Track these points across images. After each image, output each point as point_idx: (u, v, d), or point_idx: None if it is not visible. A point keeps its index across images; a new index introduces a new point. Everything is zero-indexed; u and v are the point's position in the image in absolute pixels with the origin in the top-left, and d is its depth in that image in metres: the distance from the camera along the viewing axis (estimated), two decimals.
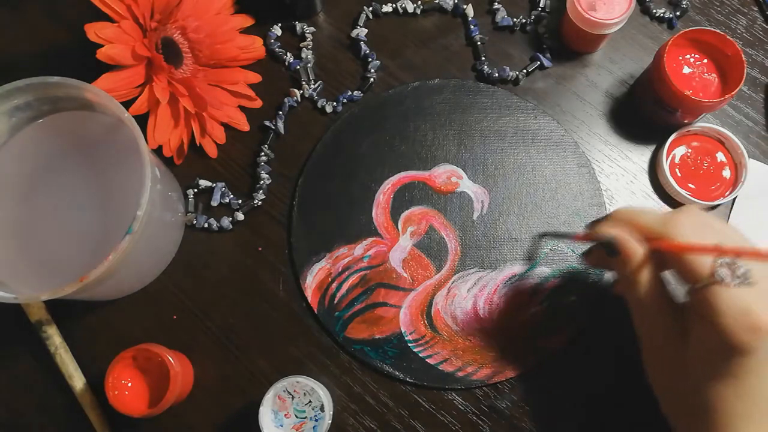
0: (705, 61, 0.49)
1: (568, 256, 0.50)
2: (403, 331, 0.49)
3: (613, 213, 0.41)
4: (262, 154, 0.53)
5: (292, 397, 0.44)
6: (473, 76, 0.55)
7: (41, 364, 0.49)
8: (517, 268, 0.50)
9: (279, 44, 0.56)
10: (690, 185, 0.50)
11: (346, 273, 0.50)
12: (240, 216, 0.52)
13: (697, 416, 0.36)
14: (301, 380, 0.44)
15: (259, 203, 0.52)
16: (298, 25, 0.56)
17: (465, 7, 0.56)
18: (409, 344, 0.49)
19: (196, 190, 0.52)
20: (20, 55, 0.56)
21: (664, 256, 0.37)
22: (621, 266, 0.39)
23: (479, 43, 0.55)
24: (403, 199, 0.52)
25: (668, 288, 0.39)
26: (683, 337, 0.37)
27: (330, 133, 0.53)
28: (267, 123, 0.54)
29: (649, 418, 0.47)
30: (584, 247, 0.50)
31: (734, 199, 0.51)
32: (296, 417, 0.44)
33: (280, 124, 0.54)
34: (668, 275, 0.39)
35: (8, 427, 0.49)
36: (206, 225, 0.51)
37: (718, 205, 0.51)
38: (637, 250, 0.38)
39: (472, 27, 0.55)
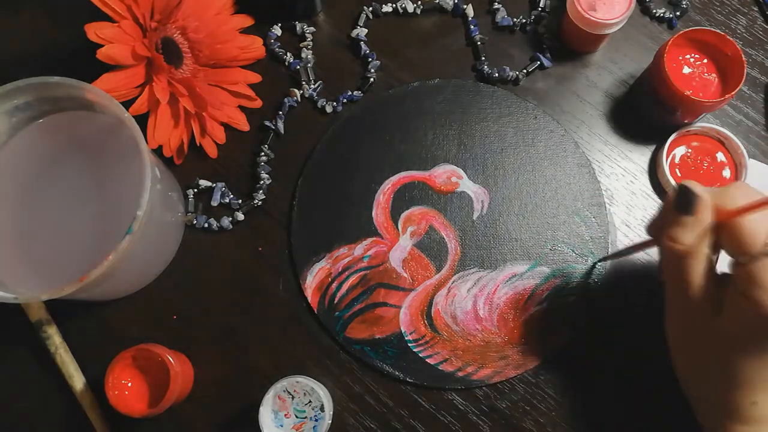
0: (705, 61, 0.49)
1: (568, 256, 0.50)
2: (403, 331, 0.49)
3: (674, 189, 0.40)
4: (262, 154, 0.53)
5: (292, 397, 0.44)
6: (473, 76, 0.55)
7: (41, 364, 0.49)
8: (517, 268, 0.50)
9: (279, 44, 0.56)
10: None
11: (346, 273, 0.50)
12: (240, 216, 0.52)
13: (718, 382, 0.38)
14: (301, 380, 0.44)
15: (259, 203, 0.52)
16: (298, 25, 0.56)
17: (465, 7, 0.56)
18: (409, 344, 0.49)
19: (196, 190, 0.52)
20: (20, 55, 0.56)
21: (719, 230, 0.37)
22: (684, 226, 0.38)
23: (479, 43, 0.55)
24: (403, 199, 0.52)
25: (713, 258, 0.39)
26: (716, 306, 0.37)
27: (330, 133, 0.53)
28: (267, 123, 0.54)
29: (649, 417, 0.47)
30: (584, 248, 0.50)
31: None
32: (296, 417, 0.44)
33: (280, 124, 0.54)
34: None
35: (8, 427, 0.49)
36: (206, 225, 0.51)
37: None
38: (708, 213, 0.37)
39: (472, 27, 0.55)
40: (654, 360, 0.47)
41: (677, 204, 0.38)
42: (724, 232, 0.37)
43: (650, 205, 0.52)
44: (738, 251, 0.36)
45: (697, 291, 0.38)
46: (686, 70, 0.49)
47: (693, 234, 0.37)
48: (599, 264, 0.50)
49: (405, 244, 0.51)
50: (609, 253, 0.50)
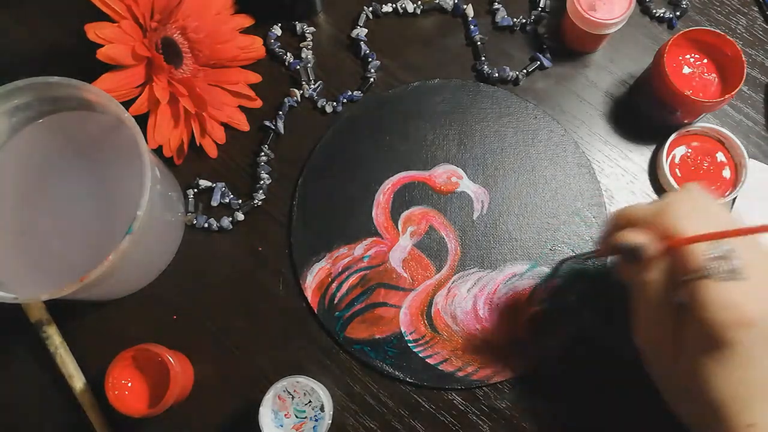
0: (705, 61, 0.49)
1: (568, 256, 0.50)
2: (403, 331, 0.49)
3: (613, 217, 0.41)
4: (262, 154, 0.53)
5: (292, 397, 0.44)
6: (473, 76, 0.55)
7: (41, 364, 0.49)
8: (517, 268, 0.50)
9: (279, 44, 0.56)
10: None
11: (346, 273, 0.50)
12: (240, 216, 0.52)
13: (710, 416, 0.36)
14: (301, 380, 0.44)
15: (259, 203, 0.52)
16: (298, 25, 0.56)
17: (465, 7, 0.56)
18: (409, 344, 0.49)
19: (196, 190, 0.52)
20: (20, 55, 0.56)
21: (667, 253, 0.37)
22: (638, 270, 0.38)
23: (479, 43, 0.55)
24: (403, 199, 0.52)
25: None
26: (680, 330, 0.37)
27: (330, 133, 0.53)
28: (267, 123, 0.54)
29: (648, 417, 0.47)
30: (584, 249, 0.50)
31: (734, 199, 0.51)
32: (296, 417, 0.44)
33: (280, 124, 0.54)
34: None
35: (8, 427, 0.49)
36: (206, 225, 0.51)
37: None
38: (655, 252, 0.37)
39: (472, 27, 0.55)
40: None
41: (627, 257, 0.38)
42: (671, 256, 0.36)
43: None
44: (679, 272, 0.36)
45: (659, 313, 0.38)
46: (686, 70, 0.49)
47: (647, 270, 0.37)
48: (545, 242, 0.50)
49: (405, 244, 0.51)
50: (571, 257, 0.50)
